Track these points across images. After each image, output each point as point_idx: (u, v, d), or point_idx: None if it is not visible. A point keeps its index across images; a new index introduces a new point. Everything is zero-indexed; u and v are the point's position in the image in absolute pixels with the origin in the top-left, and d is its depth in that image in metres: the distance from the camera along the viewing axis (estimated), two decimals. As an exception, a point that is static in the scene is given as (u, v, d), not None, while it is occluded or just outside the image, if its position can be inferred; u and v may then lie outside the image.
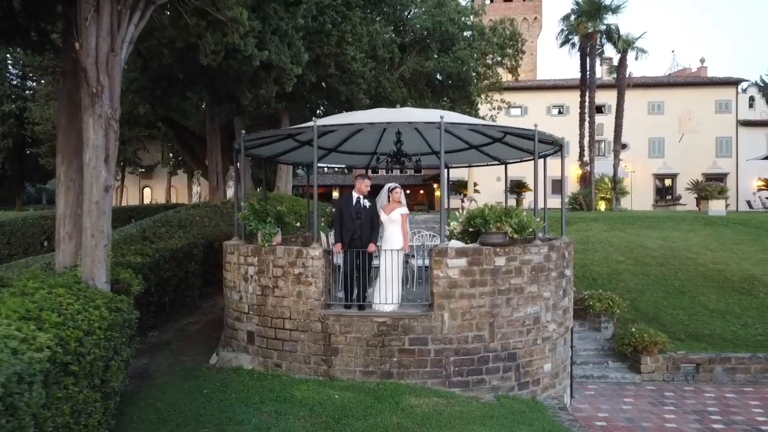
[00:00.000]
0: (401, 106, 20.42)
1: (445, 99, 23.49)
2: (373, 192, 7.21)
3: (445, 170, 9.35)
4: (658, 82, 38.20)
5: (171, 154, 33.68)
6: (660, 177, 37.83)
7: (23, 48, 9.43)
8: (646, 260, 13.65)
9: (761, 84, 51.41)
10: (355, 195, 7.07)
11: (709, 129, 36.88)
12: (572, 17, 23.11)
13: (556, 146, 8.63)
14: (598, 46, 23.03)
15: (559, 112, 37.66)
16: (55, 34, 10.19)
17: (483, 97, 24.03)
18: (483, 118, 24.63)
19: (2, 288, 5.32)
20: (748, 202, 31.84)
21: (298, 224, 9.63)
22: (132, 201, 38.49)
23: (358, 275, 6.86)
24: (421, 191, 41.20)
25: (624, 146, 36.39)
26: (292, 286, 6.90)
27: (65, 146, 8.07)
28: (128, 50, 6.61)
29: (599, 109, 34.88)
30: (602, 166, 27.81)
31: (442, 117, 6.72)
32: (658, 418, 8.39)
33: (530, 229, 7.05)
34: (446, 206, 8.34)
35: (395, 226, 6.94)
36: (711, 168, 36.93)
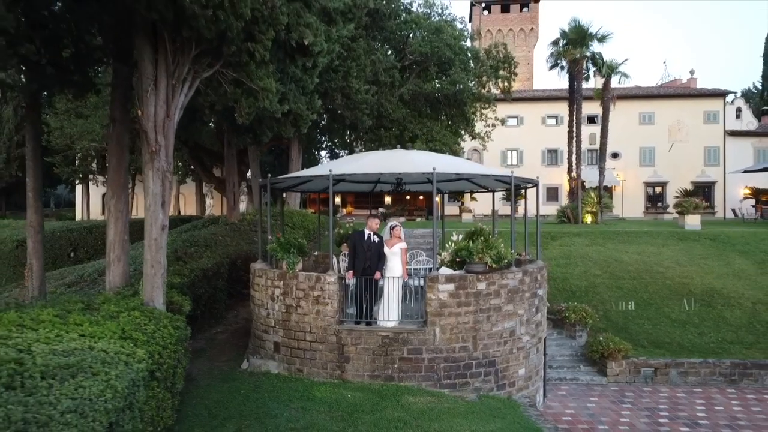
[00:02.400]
0: (401, 124, 22.01)
1: (442, 116, 24.79)
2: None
3: (438, 197, 10.79)
4: (649, 94, 39.47)
5: (180, 163, 34.97)
6: (651, 185, 39.15)
7: (67, 90, 10.43)
8: (621, 274, 15.04)
9: (754, 91, 52.57)
10: (366, 231, 8.55)
11: (697, 139, 38.25)
12: (561, 42, 24.63)
13: (533, 184, 10.13)
14: (584, 71, 24.61)
15: (556, 122, 38.80)
16: (100, 81, 11.57)
17: (478, 114, 25.38)
18: (478, 134, 26.09)
19: (92, 311, 6.83)
20: (734, 210, 33.19)
21: (315, 253, 11.08)
22: (142, 210, 39.54)
23: (366, 297, 8.35)
24: (421, 197, 42.59)
25: (616, 155, 37.83)
26: (311, 306, 8.39)
27: (115, 183, 9.56)
28: (180, 115, 8.10)
29: (592, 120, 36.25)
30: (594, 175, 29.07)
31: (434, 168, 8.20)
32: (616, 414, 9.78)
33: (506, 260, 8.56)
34: (439, 236, 9.78)
35: (396, 258, 8.44)
36: (700, 176, 38.39)
